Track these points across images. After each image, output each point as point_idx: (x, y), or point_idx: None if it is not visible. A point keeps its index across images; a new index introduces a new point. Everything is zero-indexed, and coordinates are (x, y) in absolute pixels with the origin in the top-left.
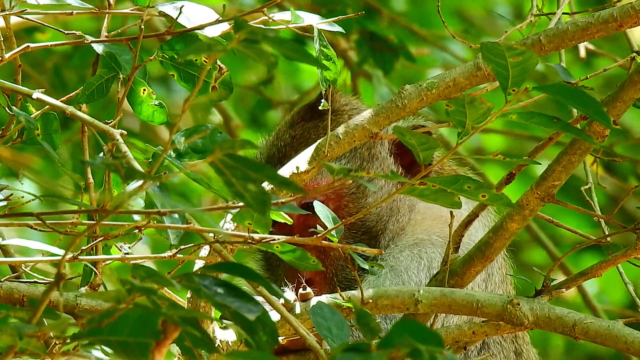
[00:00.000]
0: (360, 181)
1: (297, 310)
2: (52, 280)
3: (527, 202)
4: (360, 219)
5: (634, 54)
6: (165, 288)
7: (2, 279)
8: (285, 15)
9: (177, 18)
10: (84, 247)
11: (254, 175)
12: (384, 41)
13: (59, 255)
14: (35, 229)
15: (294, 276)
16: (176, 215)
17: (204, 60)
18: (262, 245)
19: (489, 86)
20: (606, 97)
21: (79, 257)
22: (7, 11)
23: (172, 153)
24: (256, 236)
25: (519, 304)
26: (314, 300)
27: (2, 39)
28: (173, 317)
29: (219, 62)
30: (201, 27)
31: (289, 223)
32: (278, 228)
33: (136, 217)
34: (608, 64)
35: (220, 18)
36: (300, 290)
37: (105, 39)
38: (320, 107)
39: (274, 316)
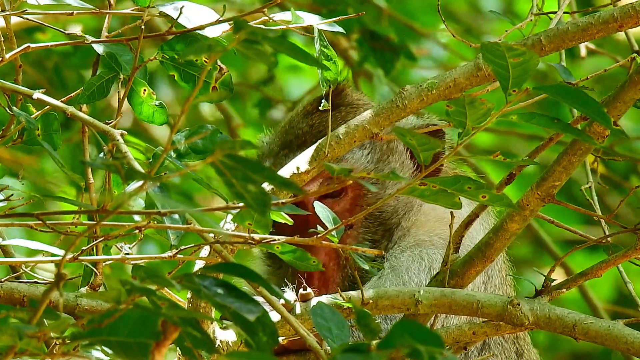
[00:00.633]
0: (360, 181)
1: (298, 310)
2: (52, 280)
3: (527, 203)
4: (378, 209)
5: (634, 54)
6: (166, 288)
7: (3, 279)
8: (286, 16)
9: (177, 18)
10: (84, 248)
11: (254, 175)
12: (384, 40)
13: (59, 256)
14: (36, 229)
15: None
16: (176, 216)
17: (204, 61)
18: (262, 245)
19: (489, 87)
20: (606, 98)
21: (79, 257)
22: (8, 11)
23: (172, 153)
24: (256, 236)
25: (519, 305)
26: (314, 301)
27: (2, 39)
28: (173, 317)
29: (219, 63)
30: (201, 28)
31: (289, 223)
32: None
33: (136, 217)
34: (607, 63)
35: (221, 18)
36: (301, 291)
37: (106, 39)
38: (320, 108)
39: (274, 316)
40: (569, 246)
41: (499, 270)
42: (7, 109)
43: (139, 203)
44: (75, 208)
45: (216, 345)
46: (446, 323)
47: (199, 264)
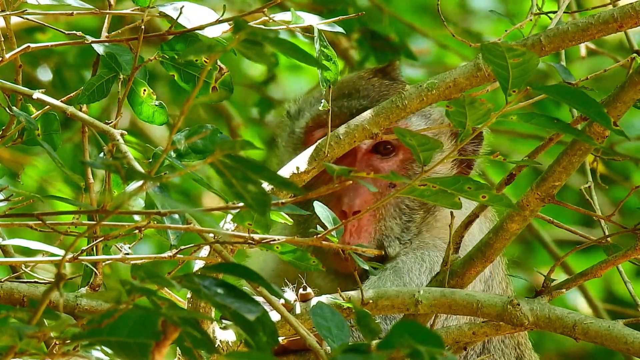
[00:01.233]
0: (360, 182)
1: (298, 310)
2: (52, 280)
3: (527, 203)
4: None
5: (634, 55)
6: (165, 288)
7: (3, 279)
8: (286, 16)
9: (177, 18)
10: (84, 248)
11: (254, 176)
12: (384, 40)
13: (59, 256)
14: (36, 230)
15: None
16: (176, 216)
17: (204, 61)
18: (262, 245)
19: (489, 87)
20: (606, 98)
21: (79, 257)
22: (8, 11)
23: (172, 153)
24: (256, 236)
25: (519, 305)
26: (314, 301)
27: (2, 39)
28: (173, 317)
29: (219, 63)
30: (201, 28)
31: (289, 224)
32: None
33: (136, 217)
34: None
35: (221, 18)
36: (301, 291)
37: (106, 39)
38: (320, 108)
39: (274, 316)
40: (569, 247)
41: (498, 282)
42: (7, 109)
43: (138, 203)
44: (75, 208)
45: (216, 345)
46: (446, 324)
47: (198, 264)
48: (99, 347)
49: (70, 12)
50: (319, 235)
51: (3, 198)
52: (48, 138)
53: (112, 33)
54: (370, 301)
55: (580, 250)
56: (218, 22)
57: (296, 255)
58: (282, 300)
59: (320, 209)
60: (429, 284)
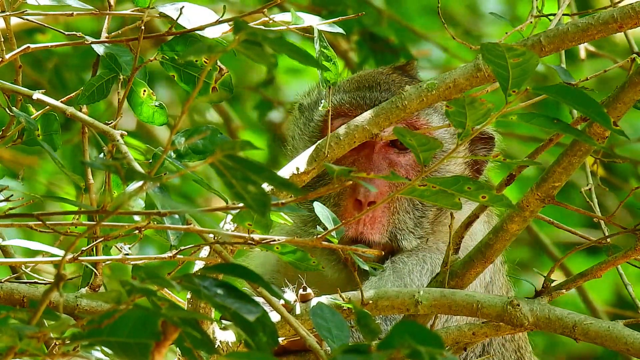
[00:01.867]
0: (360, 182)
1: (297, 311)
2: (52, 281)
3: (527, 204)
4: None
5: (634, 55)
6: (165, 289)
7: (3, 280)
8: (286, 17)
9: (177, 19)
10: (84, 248)
11: (254, 176)
12: (384, 42)
13: (59, 256)
14: (36, 230)
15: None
16: (176, 216)
17: (204, 61)
18: (262, 246)
19: (489, 87)
20: (606, 99)
21: (79, 257)
22: (8, 12)
23: (172, 154)
24: (256, 237)
25: (519, 305)
26: (314, 301)
27: (2, 39)
28: (173, 318)
29: (219, 63)
30: (201, 28)
31: (289, 224)
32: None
33: (136, 217)
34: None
35: (221, 19)
36: (300, 291)
37: (106, 39)
38: (320, 108)
39: (274, 317)
40: (568, 248)
41: (499, 287)
42: (7, 110)
43: (138, 203)
44: (75, 208)
45: (216, 346)
46: (446, 325)
47: (198, 265)
48: (99, 348)
49: (70, 12)
50: (319, 236)
51: (3, 198)
52: (48, 138)
53: (112, 34)
54: (370, 302)
55: (588, 253)
56: (218, 22)
57: (296, 256)
58: (282, 301)
59: (320, 208)
60: (429, 284)
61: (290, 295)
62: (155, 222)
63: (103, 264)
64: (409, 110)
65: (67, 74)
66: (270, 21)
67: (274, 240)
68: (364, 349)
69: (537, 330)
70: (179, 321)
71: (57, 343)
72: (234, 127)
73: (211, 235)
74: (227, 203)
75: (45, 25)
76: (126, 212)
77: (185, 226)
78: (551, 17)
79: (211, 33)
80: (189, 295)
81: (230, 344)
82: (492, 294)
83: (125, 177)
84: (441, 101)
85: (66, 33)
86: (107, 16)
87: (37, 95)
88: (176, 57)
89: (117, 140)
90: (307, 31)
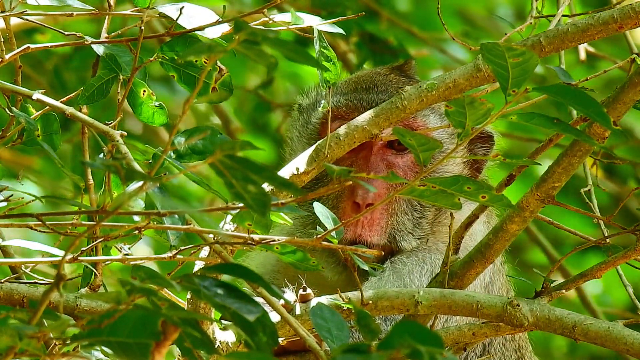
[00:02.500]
0: (360, 183)
1: (297, 311)
2: (52, 281)
3: (527, 204)
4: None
5: (634, 56)
6: (165, 289)
7: (3, 280)
8: (286, 17)
9: (177, 19)
10: (84, 248)
11: (254, 176)
12: (383, 43)
13: (59, 256)
14: (36, 230)
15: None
16: (176, 216)
17: (204, 62)
18: (261, 246)
19: (489, 87)
20: (606, 99)
21: (79, 258)
22: (7, 12)
23: (172, 154)
24: (256, 237)
25: (518, 305)
26: (313, 302)
27: (2, 40)
28: (173, 318)
29: (219, 64)
30: (201, 29)
31: (289, 224)
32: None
33: (136, 218)
34: (608, 65)
35: (221, 19)
36: (300, 291)
37: (106, 40)
38: (320, 109)
39: (274, 317)
40: (568, 249)
41: (499, 288)
42: (7, 110)
43: (138, 204)
44: (75, 209)
45: (216, 346)
46: (446, 325)
47: (198, 265)
48: (99, 348)
49: (70, 12)
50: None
51: (3, 199)
52: (48, 139)
53: (112, 34)
54: (370, 302)
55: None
56: (218, 22)
57: (296, 256)
58: (282, 301)
59: (320, 208)
60: (429, 284)
61: (290, 295)
62: (155, 223)
63: (103, 264)
64: (409, 111)
65: (67, 75)
66: (270, 21)
67: (274, 241)
68: (363, 349)
69: (537, 330)
70: (179, 321)
71: (57, 343)
72: (233, 129)
73: (211, 236)
74: (226, 203)
75: (45, 25)
76: (126, 213)
77: (185, 226)
78: (551, 18)
79: (211, 33)
80: (189, 295)
81: (230, 344)
82: (492, 294)
83: (125, 177)
84: (441, 101)
85: (66, 33)
86: (107, 16)
87: (37, 95)
88: (176, 58)
89: (117, 141)
90: (307, 32)
